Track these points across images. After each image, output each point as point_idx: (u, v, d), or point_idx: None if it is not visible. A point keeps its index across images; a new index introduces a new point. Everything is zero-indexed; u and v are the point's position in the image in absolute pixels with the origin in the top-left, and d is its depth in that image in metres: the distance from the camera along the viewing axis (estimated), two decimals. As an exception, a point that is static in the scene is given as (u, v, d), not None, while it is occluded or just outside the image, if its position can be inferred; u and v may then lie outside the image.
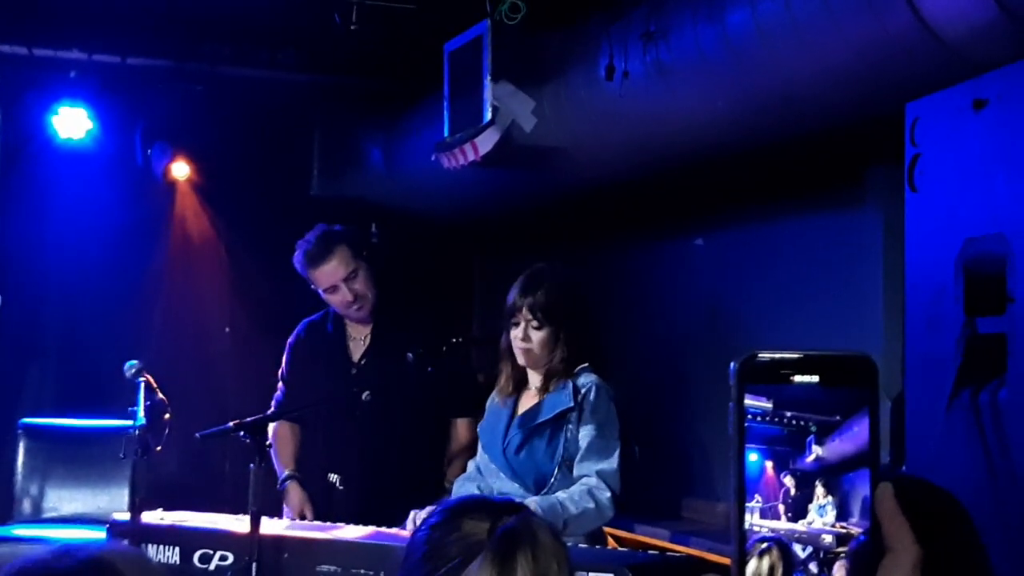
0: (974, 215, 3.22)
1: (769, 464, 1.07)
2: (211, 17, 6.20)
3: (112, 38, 6.41)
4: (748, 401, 1.07)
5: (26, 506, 6.42)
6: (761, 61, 4.01)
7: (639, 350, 6.32)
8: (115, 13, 6.10)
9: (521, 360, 4.05)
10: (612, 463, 3.89)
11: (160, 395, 4.34)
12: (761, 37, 3.94)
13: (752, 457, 1.07)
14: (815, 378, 1.07)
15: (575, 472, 3.92)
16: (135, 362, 4.37)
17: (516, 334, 4.02)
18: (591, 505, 3.81)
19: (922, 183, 3.42)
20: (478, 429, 4.29)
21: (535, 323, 3.99)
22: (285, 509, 4.90)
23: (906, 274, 3.57)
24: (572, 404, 3.95)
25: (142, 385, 4.30)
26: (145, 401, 4.25)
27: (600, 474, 3.86)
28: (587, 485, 3.84)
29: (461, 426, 4.79)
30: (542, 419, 3.99)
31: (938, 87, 3.43)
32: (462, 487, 4.23)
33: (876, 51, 3.56)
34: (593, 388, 3.97)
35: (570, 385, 3.99)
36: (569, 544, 3.56)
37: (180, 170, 6.95)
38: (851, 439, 1.07)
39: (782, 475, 1.08)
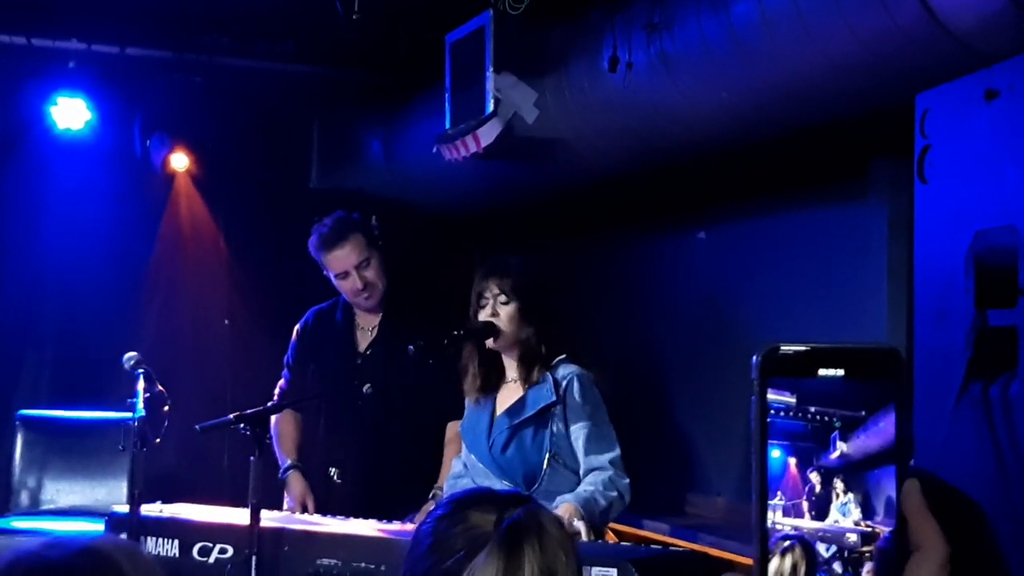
0: (985, 207, 3.19)
1: (792, 460, 1.04)
2: (210, 8, 6.17)
3: (111, 28, 6.38)
4: (770, 395, 1.04)
5: (24, 498, 6.39)
6: (766, 53, 3.98)
7: (641, 343, 6.30)
8: (114, 3, 6.08)
9: (490, 342, 4.04)
10: (618, 450, 3.92)
11: (159, 387, 4.32)
12: (766, 28, 3.90)
13: (775, 453, 1.04)
14: (840, 371, 1.04)
15: (584, 466, 3.91)
16: (134, 353, 4.34)
17: (484, 315, 4.02)
18: (615, 494, 3.84)
19: (932, 175, 3.39)
20: (459, 429, 4.27)
21: (503, 298, 4.00)
22: (286, 499, 4.89)
23: (915, 266, 3.54)
24: (554, 398, 3.94)
25: (141, 376, 4.27)
26: (144, 393, 4.22)
27: (612, 463, 3.88)
28: (606, 474, 3.84)
29: (452, 429, 4.76)
30: (525, 416, 3.98)
31: (946, 79, 3.40)
32: (454, 486, 4.20)
33: (883, 43, 3.52)
34: (574, 379, 3.96)
35: (549, 379, 3.98)
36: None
37: (179, 161, 6.91)
38: (877, 435, 1.04)
39: (808, 471, 1.04)
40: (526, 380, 4.04)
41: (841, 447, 1.04)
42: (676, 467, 5.89)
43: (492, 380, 4.14)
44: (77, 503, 6.33)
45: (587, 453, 3.91)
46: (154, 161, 6.91)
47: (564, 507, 3.73)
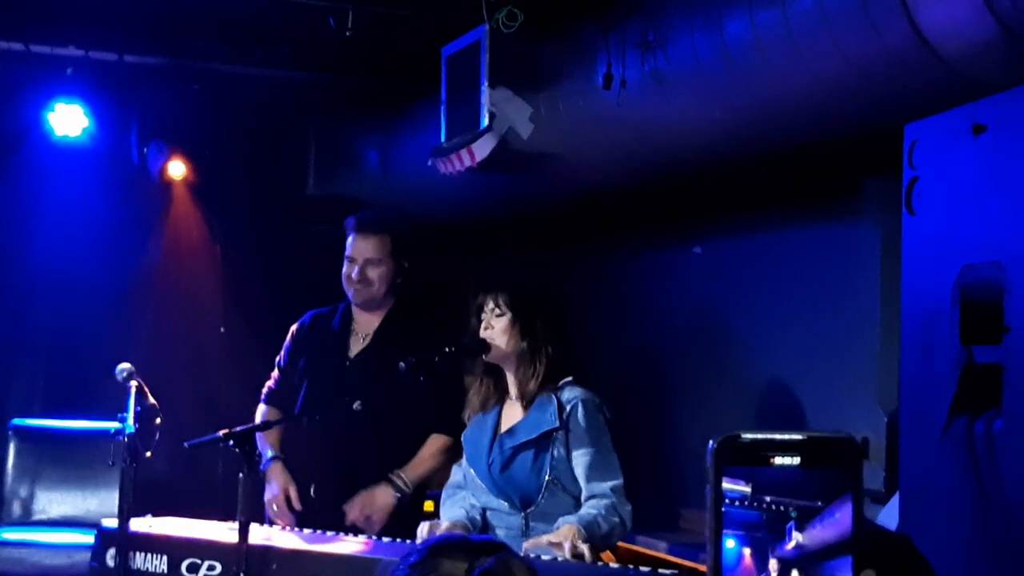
0: (971, 241, 3.18)
1: (747, 551, 1.04)
2: (208, 15, 6.16)
3: (109, 35, 6.38)
4: (725, 484, 1.04)
5: (15, 508, 6.39)
6: (758, 72, 3.98)
7: (635, 358, 6.29)
8: (112, 10, 6.06)
9: (487, 355, 4.04)
10: (621, 478, 3.90)
11: (151, 399, 4.31)
12: (759, 49, 3.90)
13: (729, 543, 1.03)
14: (796, 460, 1.04)
15: (586, 492, 3.89)
16: (127, 365, 4.34)
17: (481, 328, 4.02)
18: (617, 520, 3.83)
19: (920, 206, 3.38)
20: (462, 438, 4.26)
21: (497, 311, 4.01)
22: (268, 490, 4.85)
23: (902, 297, 3.54)
24: (557, 424, 3.92)
25: (132, 389, 4.27)
26: (135, 406, 4.21)
27: (615, 490, 3.86)
28: (608, 500, 3.83)
29: (434, 441, 4.75)
30: (525, 439, 3.96)
31: (937, 106, 3.39)
32: (452, 496, 4.20)
33: (874, 66, 3.52)
34: (579, 405, 3.93)
35: (554, 401, 3.96)
36: (560, 559, 3.57)
37: (176, 169, 6.91)
38: (833, 525, 1.03)
39: (764, 561, 1.04)
40: (523, 397, 4.03)
41: (797, 537, 1.04)
42: (671, 481, 5.88)
43: (495, 396, 4.14)
44: (69, 513, 6.32)
45: (589, 480, 3.89)
46: (151, 168, 6.90)
47: (567, 528, 3.72)
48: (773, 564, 1.05)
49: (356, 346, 4.93)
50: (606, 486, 3.86)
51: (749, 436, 1.05)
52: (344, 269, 4.88)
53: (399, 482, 4.69)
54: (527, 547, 3.69)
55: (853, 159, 4.65)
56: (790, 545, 1.04)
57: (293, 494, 4.79)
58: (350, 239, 4.88)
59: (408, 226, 5.09)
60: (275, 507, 4.76)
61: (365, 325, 4.95)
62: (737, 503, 1.04)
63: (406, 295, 5.00)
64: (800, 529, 1.04)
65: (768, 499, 1.04)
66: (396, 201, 6.79)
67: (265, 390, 5.04)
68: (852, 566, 1.03)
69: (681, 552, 5.26)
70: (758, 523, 1.04)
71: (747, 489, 1.04)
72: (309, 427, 4.91)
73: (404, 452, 4.80)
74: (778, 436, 1.04)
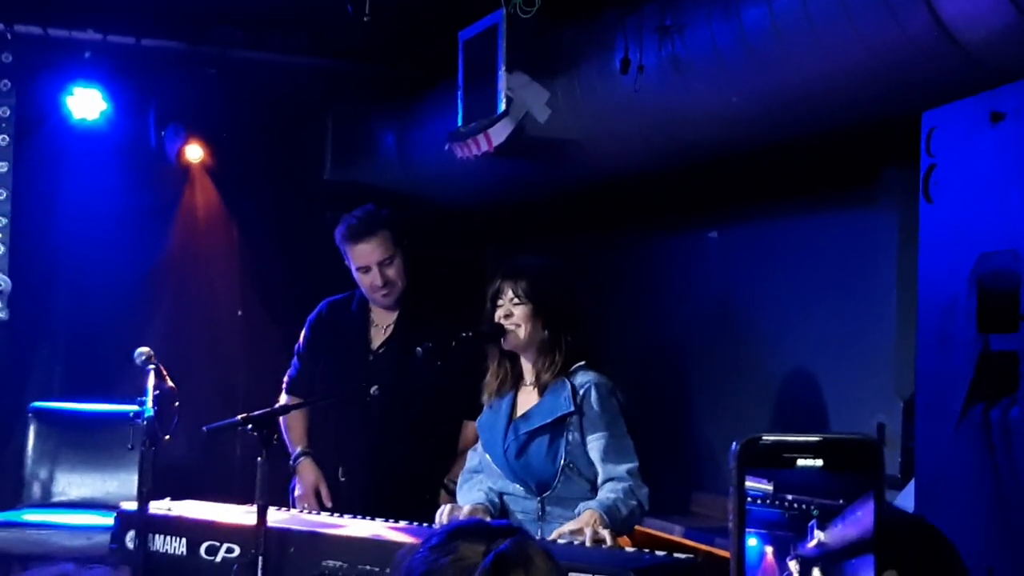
0: (989, 229, 3.18)
1: (769, 549, 1.05)
2: (224, 0, 6.17)
3: (127, 19, 6.40)
4: (748, 483, 1.05)
5: (36, 490, 6.42)
6: (777, 59, 3.98)
7: (650, 343, 6.30)
8: (129, -6, 6.09)
9: (505, 343, 4.04)
10: (636, 461, 3.91)
11: (169, 383, 4.33)
12: (777, 35, 3.90)
13: (751, 542, 1.05)
14: (818, 461, 1.05)
15: (603, 475, 3.91)
16: (145, 349, 4.36)
17: (499, 315, 4.02)
18: (635, 503, 3.84)
19: (937, 194, 3.38)
20: (477, 424, 4.27)
21: (516, 300, 4.00)
22: (296, 485, 4.88)
23: (919, 285, 3.54)
24: (571, 408, 3.93)
25: (151, 373, 4.29)
26: (154, 390, 4.24)
27: (631, 473, 3.87)
28: (626, 483, 3.85)
29: (470, 428, 4.76)
30: (540, 423, 3.98)
31: (955, 93, 3.39)
32: (468, 480, 4.22)
33: (893, 53, 3.52)
34: (592, 388, 3.94)
35: (568, 386, 3.97)
36: (576, 543, 3.59)
37: (193, 153, 6.91)
38: (855, 524, 1.05)
39: (786, 560, 1.05)
40: (540, 384, 4.04)
41: (819, 536, 1.05)
42: (685, 466, 5.89)
43: (510, 381, 4.14)
44: (88, 496, 6.35)
45: (605, 463, 3.90)
46: (168, 152, 6.91)
47: (588, 513, 3.73)
48: (793, 565, 1.06)
49: (378, 338, 4.94)
50: (622, 469, 3.87)
51: (771, 438, 1.06)
52: (362, 280, 4.85)
53: (452, 486, 4.68)
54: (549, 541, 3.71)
55: (871, 146, 4.64)
56: (812, 544, 1.05)
57: (324, 491, 4.81)
58: (350, 250, 4.83)
59: (398, 213, 5.06)
60: (305, 505, 4.78)
61: (384, 316, 4.95)
62: (759, 501, 1.05)
63: (420, 281, 5.00)
64: (822, 528, 1.05)
65: (790, 498, 1.05)
66: (413, 186, 6.81)
67: (286, 379, 5.05)
68: (874, 567, 1.04)
69: (696, 536, 5.28)
70: (780, 522, 1.05)
71: (769, 487, 1.05)
72: (335, 414, 4.93)
73: (431, 438, 4.82)
74: (801, 438, 1.06)
